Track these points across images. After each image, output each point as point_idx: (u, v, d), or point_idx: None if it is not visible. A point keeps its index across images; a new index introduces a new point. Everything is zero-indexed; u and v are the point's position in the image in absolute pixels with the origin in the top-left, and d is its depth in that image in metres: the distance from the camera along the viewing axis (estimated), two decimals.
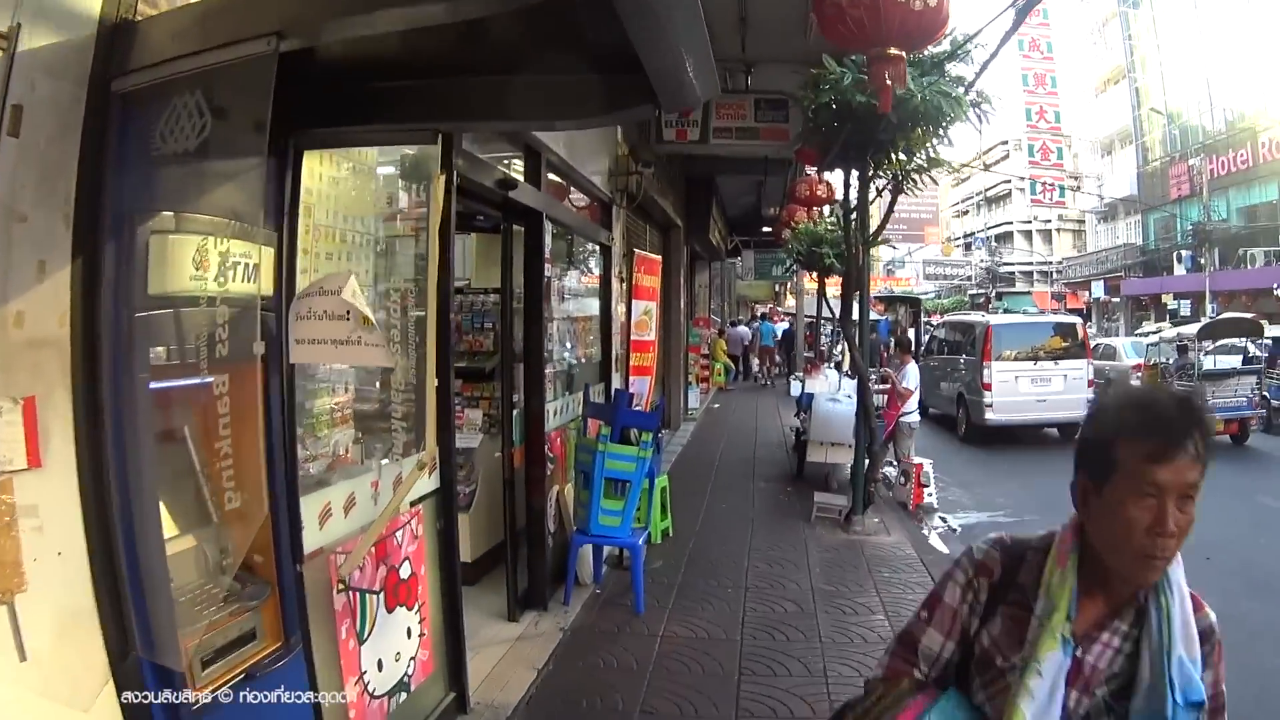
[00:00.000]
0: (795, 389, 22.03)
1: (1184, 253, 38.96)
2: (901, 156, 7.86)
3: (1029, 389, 15.33)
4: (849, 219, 8.58)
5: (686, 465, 12.14)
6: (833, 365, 14.17)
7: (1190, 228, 37.62)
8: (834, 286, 22.92)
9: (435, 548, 4.67)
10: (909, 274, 61.83)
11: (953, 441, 15.93)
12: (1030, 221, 61.21)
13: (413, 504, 4.32)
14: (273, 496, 3.05)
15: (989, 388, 15.18)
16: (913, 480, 10.27)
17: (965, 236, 67.95)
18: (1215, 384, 15.21)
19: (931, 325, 28.49)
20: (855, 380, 11.09)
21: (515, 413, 6.26)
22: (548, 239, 6.46)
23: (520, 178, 6.11)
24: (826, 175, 14.66)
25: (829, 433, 10.32)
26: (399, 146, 4.24)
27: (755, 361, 27.79)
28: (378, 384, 4.50)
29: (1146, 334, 29.31)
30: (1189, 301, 36.72)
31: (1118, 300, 44.77)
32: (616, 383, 8.10)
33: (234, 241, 2.76)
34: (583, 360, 7.79)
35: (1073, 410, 15.22)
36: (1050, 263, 59.07)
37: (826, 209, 15.77)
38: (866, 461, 8.93)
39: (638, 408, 7.70)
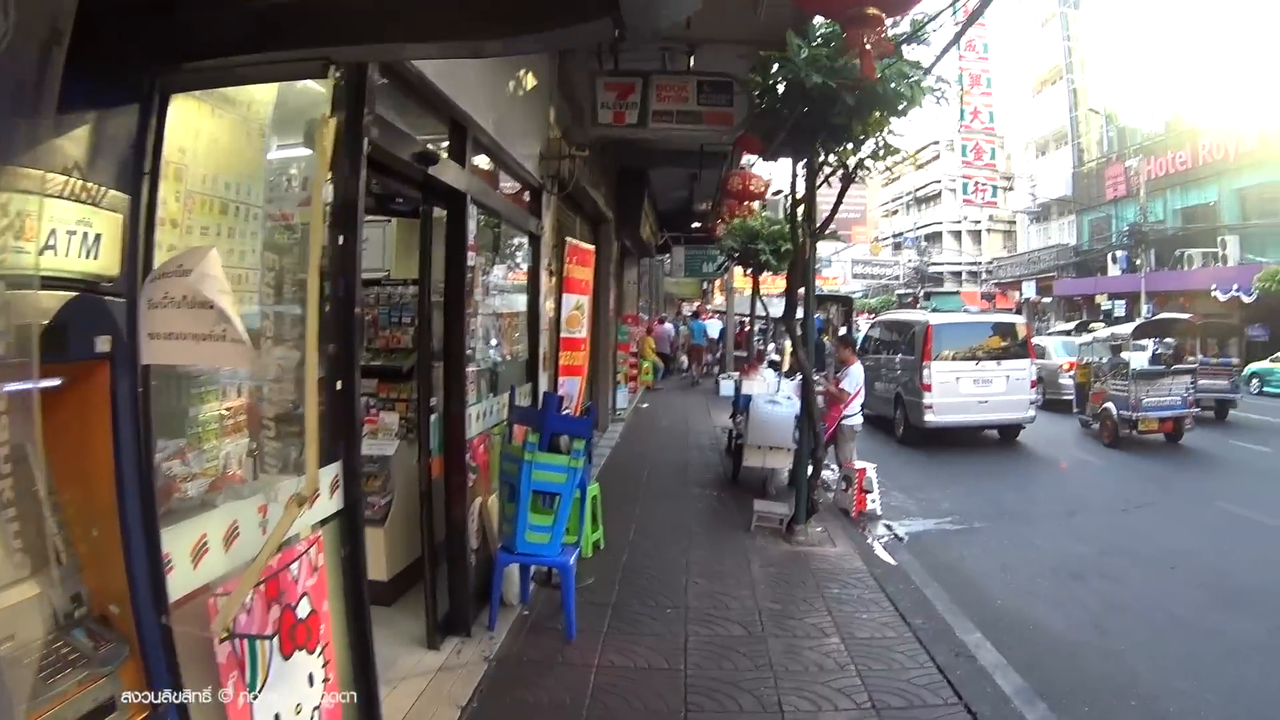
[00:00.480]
0: (726, 388, 21.90)
1: (1119, 253, 39.62)
2: (853, 144, 7.39)
3: (970, 390, 15.10)
4: (795, 210, 8.10)
5: (617, 470, 11.58)
6: (769, 365, 13.65)
7: (1126, 228, 38.22)
8: (770, 285, 22.66)
9: (340, 578, 4.05)
10: (836, 273, 62.19)
11: (890, 443, 15.56)
12: (960, 222, 62.15)
13: (314, 527, 3.69)
14: (125, 531, 2.43)
15: (929, 388, 14.91)
16: (855, 486, 9.88)
17: (894, 236, 68.66)
18: (1149, 383, 15.32)
19: (863, 324, 28.46)
20: (795, 381, 10.73)
21: (433, 417, 5.62)
22: (472, 224, 5.85)
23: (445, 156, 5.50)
24: (766, 167, 14.29)
25: (767, 436, 9.85)
26: (304, 106, 3.59)
27: (685, 359, 27.49)
28: (281, 384, 3.87)
29: (1067, 332, 29.74)
30: (1124, 302, 37.33)
31: (1049, 300, 45.47)
32: (545, 384, 7.49)
33: (68, 204, 2.13)
34: (509, 359, 7.17)
35: (1015, 412, 15.14)
36: (980, 263, 60.02)
37: (762, 204, 15.45)
38: (809, 468, 8.47)
39: (567, 411, 7.11)
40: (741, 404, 10.62)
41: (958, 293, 57.61)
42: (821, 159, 7.72)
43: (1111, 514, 10.50)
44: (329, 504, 3.88)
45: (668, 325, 27.22)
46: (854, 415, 10.40)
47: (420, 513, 5.67)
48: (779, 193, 8.48)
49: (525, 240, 7.62)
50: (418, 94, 5.09)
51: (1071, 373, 18.25)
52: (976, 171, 45.52)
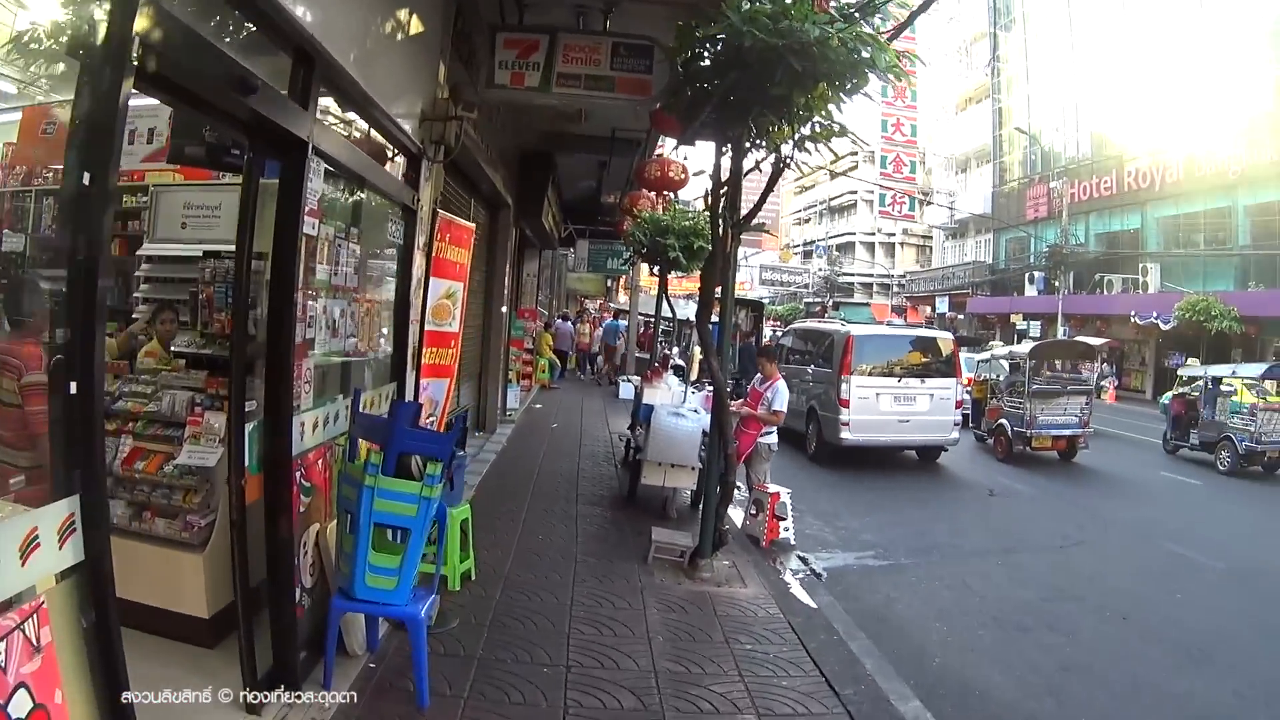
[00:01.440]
0: (625, 391, 20.81)
1: (1037, 274, 39.98)
2: (790, 122, 6.34)
3: (891, 408, 14.26)
4: (717, 198, 7.02)
5: (499, 479, 10.37)
6: (673, 372, 12.52)
7: (1046, 249, 38.50)
8: (678, 286, 21.62)
9: (80, 656, 2.87)
10: (744, 278, 61.81)
11: (801, 461, 14.48)
12: (874, 234, 62.70)
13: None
14: None
15: (846, 404, 14.00)
16: (767, 511, 8.89)
17: (806, 244, 68.75)
18: (1045, 402, 15.92)
19: (776, 332, 27.73)
20: (704, 393, 9.68)
21: (251, 426, 4.37)
22: (316, 184, 4.60)
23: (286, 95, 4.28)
24: (685, 153, 13.29)
25: (670, 453, 8.79)
26: None
27: (600, 359, 26.68)
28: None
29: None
30: (1039, 323, 37.69)
31: (961, 317, 45.75)
32: (428, 384, 6.25)
33: None
34: (370, 355, 5.93)
35: (938, 433, 14.44)
36: (892, 276, 60.39)
37: (676, 195, 14.42)
38: (719, 493, 7.42)
39: (433, 420, 5.91)
40: (642, 415, 9.52)
41: (868, 304, 57.96)
42: (752, 139, 6.65)
43: (1049, 551, 9.77)
44: (58, 556, 2.72)
45: (567, 324, 26.00)
46: (771, 433, 9.41)
47: (231, 545, 4.44)
48: (700, 173, 7.25)
49: (398, 214, 6.37)
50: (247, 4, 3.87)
51: (969, 389, 17.75)
52: (895, 184, 45.56)
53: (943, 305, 49.22)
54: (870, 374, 14.37)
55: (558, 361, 23.15)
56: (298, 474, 4.76)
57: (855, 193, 62.59)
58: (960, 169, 51.70)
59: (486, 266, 13.86)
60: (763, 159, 6.91)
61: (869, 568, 8.75)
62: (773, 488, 9.11)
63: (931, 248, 57.98)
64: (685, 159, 12.93)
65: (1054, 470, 15.34)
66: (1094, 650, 6.64)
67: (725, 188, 6.95)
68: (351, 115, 5.60)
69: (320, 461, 5.12)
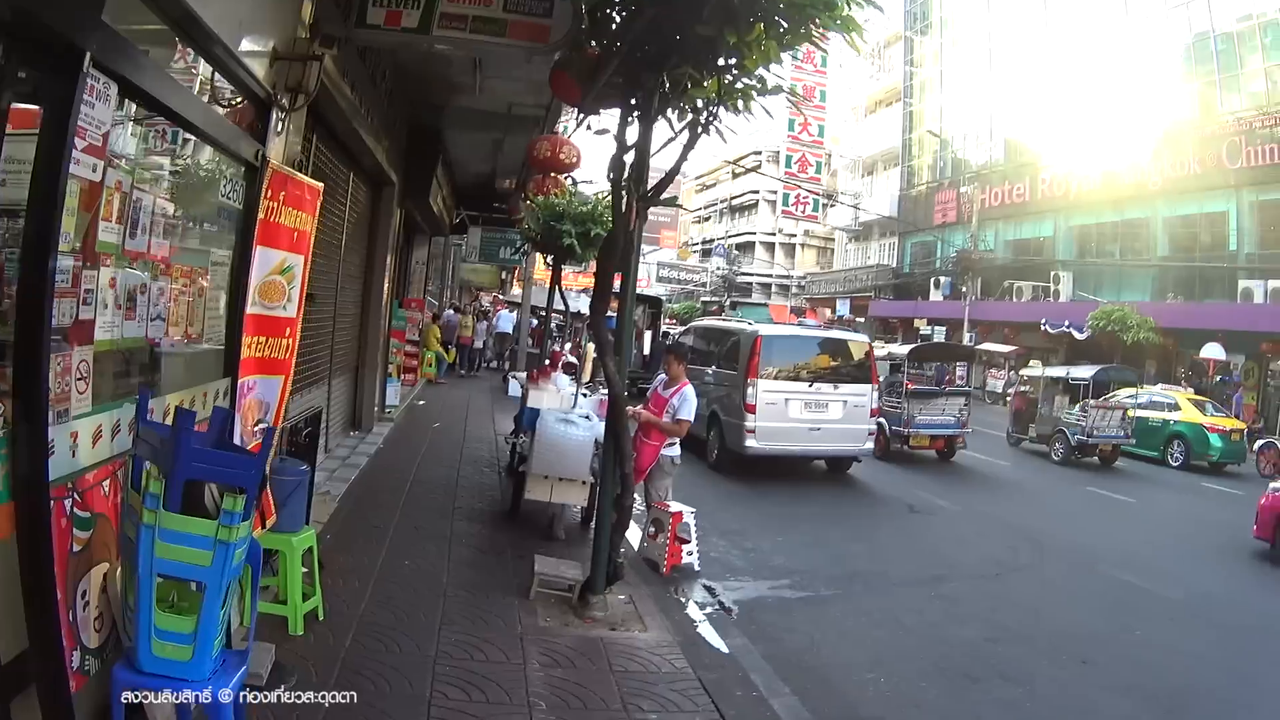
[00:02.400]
0: (514, 388, 19.59)
1: (943, 279, 39.99)
2: (711, 76, 5.34)
3: (800, 414, 13.40)
4: (620, 165, 5.97)
5: (369, 488, 9.15)
6: (564, 371, 11.35)
7: (954, 254, 38.47)
8: (573, 281, 20.44)
9: None
10: (641, 275, 60.78)
11: (700, 469, 13.36)
12: (774, 234, 62.70)
13: None
14: None
15: (752, 410, 13.06)
16: (668, 533, 7.91)
17: (705, 243, 68.47)
18: (923, 403, 16.56)
19: (674, 330, 26.90)
20: (596, 397, 8.65)
21: None
22: (98, 109, 3.41)
23: None
24: (580, 141, 12.28)
25: (558, 466, 7.74)
26: None
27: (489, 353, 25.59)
28: None
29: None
30: (944, 328, 37.67)
31: (862, 320, 45.71)
32: (255, 382, 5.01)
33: None
34: (186, 345, 4.71)
35: (850, 442, 13.71)
36: (791, 277, 60.40)
37: (574, 180, 13.37)
38: (613, 517, 6.39)
39: (260, 431, 4.71)
40: (526, 420, 8.40)
41: (766, 305, 57.81)
42: (665, 98, 5.65)
43: (984, 579, 9.04)
44: None
45: (449, 313, 24.66)
46: (675, 445, 8.43)
47: None
48: (604, 132, 6.09)
49: (237, 172, 5.15)
50: None
51: None
52: (800, 184, 45.33)
53: (843, 308, 49.28)
54: (779, 377, 13.53)
55: (445, 355, 21.76)
56: (69, 501, 3.56)
57: (757, 192, 62.80)
58: (867, 171, 51.96)
59: (366, 249, 12.56)
60: (679, 128, 5.91)
61: (786, 600, 7.83)
62: (675, 506, 8.16)
63: (833, 250, 58.25)
64: (589, 128, 11.94)
65: (972, 482, 15.20)
66: (1058, 706, 5.88)
67: (631, 152, 5.92)
68: (162, 29, 4.38)
69: (109, 482, 3.91)
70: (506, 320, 26.93)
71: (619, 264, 6.20)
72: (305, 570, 5.57)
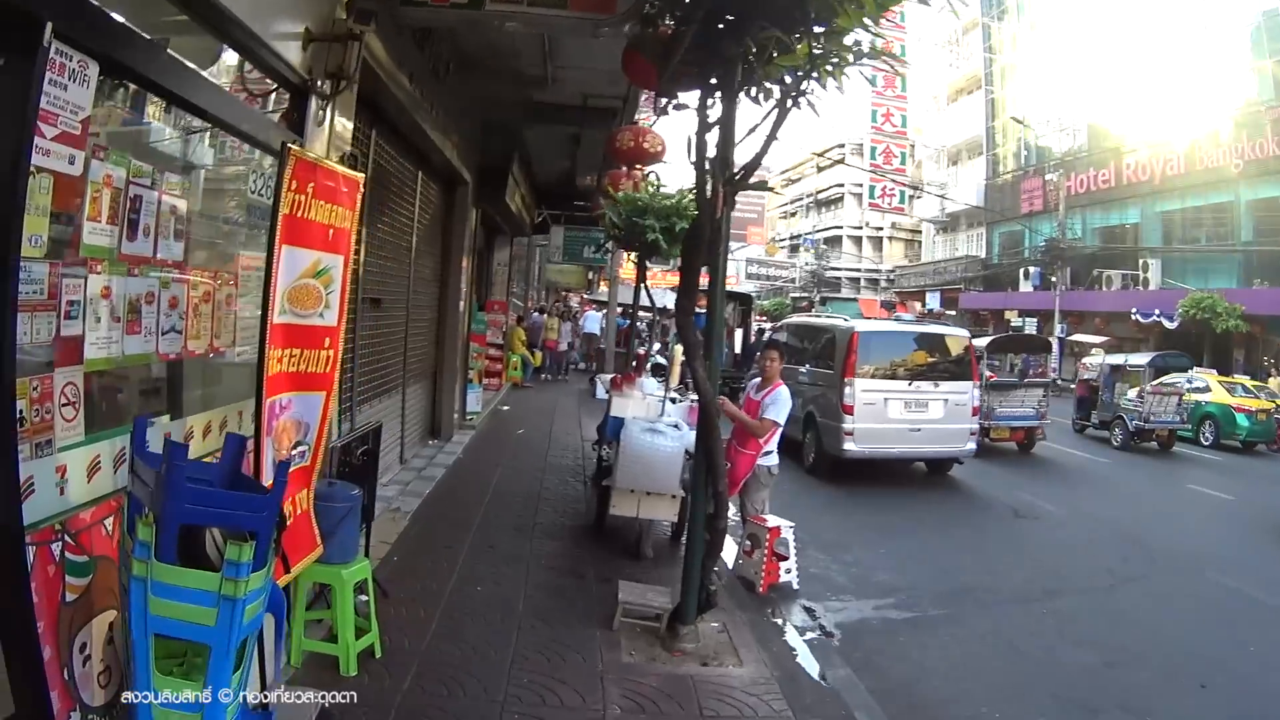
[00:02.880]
0: (600, 391, 19.06)
1: (1032, 269, 38.49)
2: (801, 45, 4.62)
3: (900, 415, 12.51)
4: (703, 147, 5.28)
5: (444, 504, 8.65)
6: (652, 375, 10.63)
7: (1042, 244, 36.99)
8: (666, 279, 19.72)
9: None
10: (730, 271, 59.98)
11: (797, 474, 12.30)
12: (861, 228, 61.43)
13: None
14: None
15: (850, 411, 12.20)
16: (764, 549, 7.21)
17: (792, 238, 67.51)
18: (1003, 395, 16.17)
19: (766, 327, 26.14)
20: (686, 403, 7.99)
21: None
22: (73, 91, 2.88)
23: None
24: (664, 111, 11.65)
25: (645, 479, 7.09)
26: None
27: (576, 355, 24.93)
28: None
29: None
30: (1035, 320, 36.25)
31: (953, 313, 44.25)
32: (290, 400, 4.45)
33: None
34: (216, 358, 4.21)
35: (952, 444, 12.80)
36: (880, 270, 59.07)
37: (655, 170, 12.72)
38: (707, 539, 5.72)
39: (299, 455, 4.18)
40: (610, 430, 7.73)
41: (855, 299, 56.61)
42: (749, 72, 4.96)
43: (1097, 593, 8.13)
44: None
45: (535, 315, 24.19)
46: (771, 452, 7.72)
47: None
48: (683, 107, 5.33)
49: (272, 165, 4.64)
50: None
51: None
52: (885, 176, 44.13)
53: (934, 301, 47.74)
54: (877, 376, 12.64)
55: (531, 358, 21.30)
56: (58, 545, 3.06)
57: (843, 185, 61.68)
58: (951, 161, 50.36)
59: (441, 251, 12.13)
60: (768, 110, 5.18)
61: (891, 622, 7.03)
62: (772, 520, 7.43)
63: (921, 242, 56.72)
64: (666, 113, 11.28)
65: (1076, 482, 14.14)
66: None
67: (715, 129, 5.22)
68: (180, 18, 3.87)
69: (112, 520, 3.40)
70: (593, 321, 26.41)
71: (705, 257, 5.50)
72: (364, 598, 5.06)
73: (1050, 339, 28.68)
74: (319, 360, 4.19)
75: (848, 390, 12.30)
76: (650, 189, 11.71)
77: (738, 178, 5.23)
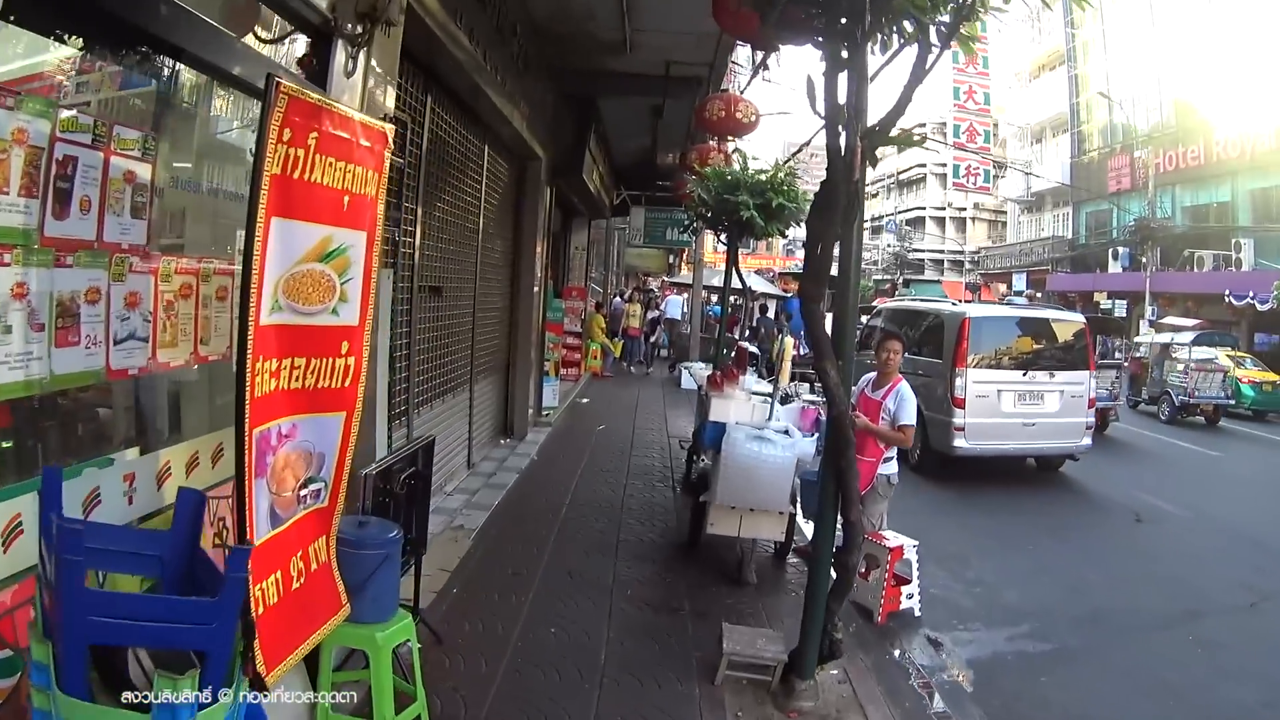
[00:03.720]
0: (688, 381, 17.95)
1: (1121, 249, 36.34)
2: None
3: (1014, 408, 11.20)
4: (833, 93, 4.12)
5: (514, 517, 7.68)
6: (760, 373, 9.30)
7: (1131, 223, 34.84)
8: (745, 261, 18.27)
9: None
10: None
11: (900, 473, 11.13)
12: (944, 208, 59.51)
13: None
14: None
15: (961, 404, 10.94)
16: (884, 571, 6.10)
17: (873, 220, 65.74)
18: None
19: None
20: (797, 405, 6.87)
21: None
22: None
23: None
24: (764, 69, 10.63)
25: (749, 494, 6.01)
26: None
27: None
28: None
29: None
30: (1125, 301, 34.22)
31: (1039, 295, 42.18)
32: (294, 425, 3.40)
33: None
34: (193, 369, 3.26)
35: (1067, 439, 11.48)
36: (963, 251, 57.18)
37: (746, 142, 11.59)
38: (831, 579, 4.63)
39: (314, 496, 3.20)
40: (708, 437, 6.59)
41: (939, 281, 54.80)
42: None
43: (1240, 613, 7.03)
44: None
45: (616, 301, 23.06)
46: (892, 460, 6.60)
47: None
48: (801, 43, 4.12)
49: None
50: None
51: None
52: (969, 155, 42.11)
53: (1019, 282, 45.65)
54: (989, 365, 11.32)
55: (611, 347, 20.29)
56: None
57: (924, 166, 59.91)
58: (1035, 139, 47.96)
59: (513, 233, 11.19)
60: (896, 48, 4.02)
61: (1028, 657, 5.89)
62: (893, 538, 6.33)
63: (1005, 222, 54.51)
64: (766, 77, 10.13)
65: (1188, 477, 12.89)
66: None
67: (846, 71, 4.06)
68: None
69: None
70: (675, 306, 25.29)
71: (840, 227, 4.35)
72: (409, 647, 4.10)
73: (1121, 320, 27.47)
74: (333, 371, 3.20)
75: (959, 381, 11.02)
76: (743, 162, 10.59)
77: (877, 130, 4.07)
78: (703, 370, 17.78)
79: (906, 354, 12.45)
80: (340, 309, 3.15)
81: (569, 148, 12.22)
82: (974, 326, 11.39)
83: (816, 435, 6.26)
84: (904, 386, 6.53)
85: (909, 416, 6.40)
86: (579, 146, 12.41)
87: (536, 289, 11.65)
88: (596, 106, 13.03)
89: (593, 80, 11.90)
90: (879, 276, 60.56)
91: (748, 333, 17.89)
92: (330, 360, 3.17)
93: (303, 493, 3.28)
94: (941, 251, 60.13)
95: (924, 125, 54.72)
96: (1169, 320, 29.47)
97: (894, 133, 4.06)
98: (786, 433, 6.16)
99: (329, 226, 3.06)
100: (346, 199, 3.13)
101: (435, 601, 5.53)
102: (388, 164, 3.41)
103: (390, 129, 3.47)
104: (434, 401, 7.81)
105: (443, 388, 8.10)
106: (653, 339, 21.29)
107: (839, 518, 4.54)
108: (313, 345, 3.08)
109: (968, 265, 56.53)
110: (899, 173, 65.57)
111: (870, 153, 4.09)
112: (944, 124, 45.31)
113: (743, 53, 14.01)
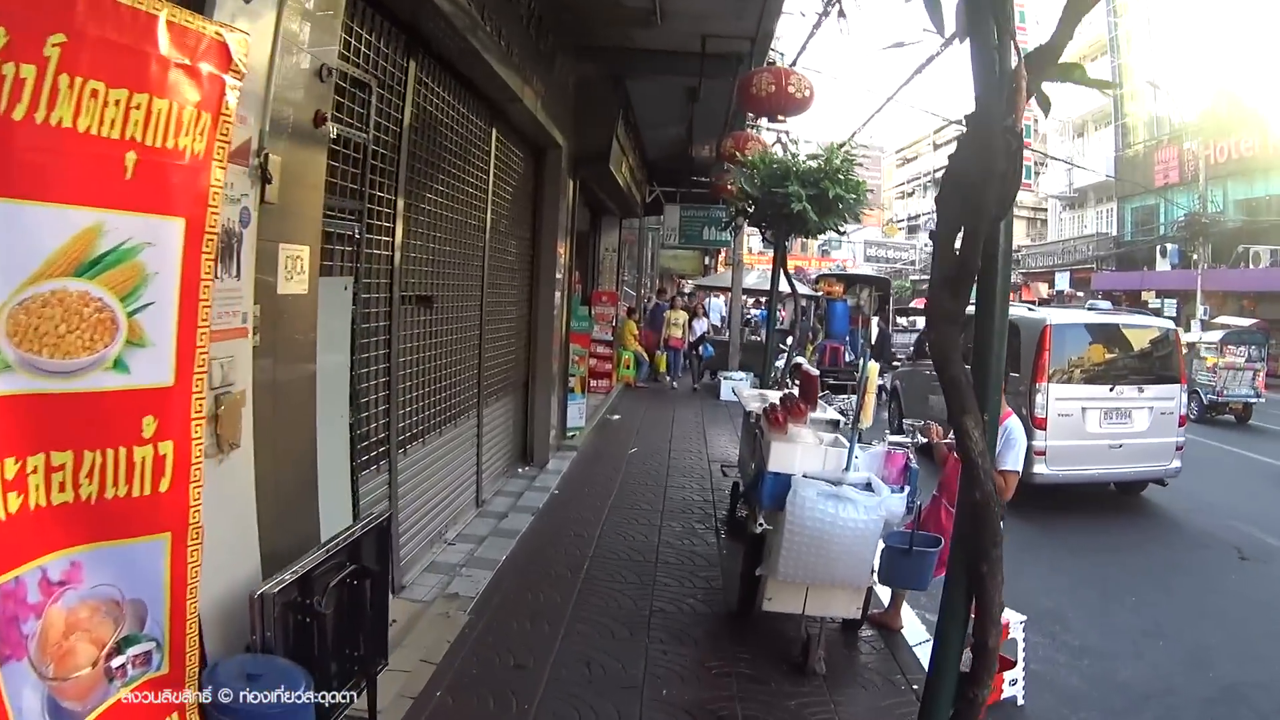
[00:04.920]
0: (726, 392, 16.48)
1: (1170, 246, 34.38)
2: None
3: (1099, 428, 9.64)
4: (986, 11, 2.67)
5: (525, 576, 6.28)
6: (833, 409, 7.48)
7: (1182, 218, 32.92)
8: (797, 260, 16.77)
9: None
10: (846, 255, 56.95)
11: None
12: None
13: None
14: None
15: (1042, 424, 9.35)
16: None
17: (910, 219, 64.10)
18: None
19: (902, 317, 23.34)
20: (882, 449, 5.37)
21: None
22: None
23: None
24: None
25: (821, 569, 4.57)
26: None
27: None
28: None
29: None
30: (1175, 301, 32.31)
31: (1083, 295, 40.35)
32: (74, 565, 2.04)
33: None
34: None
35: (1158, 461, 9.85)
36: None
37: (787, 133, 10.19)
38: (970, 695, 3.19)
39: (120, 683, 1.84)
40: (769, 494, 4.97)
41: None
42: None
43: None
44: None
45: (662, 304, 21.33)
46: None
47: None
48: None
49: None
50: None
51: None
52: None
53: (1063, 281, 43.72)
54: (1071, 380, 9.74)
55: (645, 355, 18.72)
56: None
57: None
58: (1077, 133, 45.96)
59: (531, 232, 9.82)
60: None
61: None
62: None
63: (1045, 220, 52.54)
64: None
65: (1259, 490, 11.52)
66: None
67: None
68: None
69: None
70: (714, 309, 23.79)
71: (996, 205, 2.84)
72: None
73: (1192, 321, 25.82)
74: (130, 470, 1.83)
75: (1039, 399, 9.45)
76: (793, 146, 9.17)
77: (1044, 51, 2.63)
78: (743, 381, 16.37)
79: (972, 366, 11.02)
80: (130, 359, 1.78)
81: (594, 135, 10.81)
82: (1056, 335, 9.84)
83: (907, 490, 4.80)
84: (1013, 422, 5.08)
85: (1013, 461, 4.98)
86: (606, 134, 11.00)
87: (559, 295, 10.27)
88: (624, 89, 11.62)
89: (619, 59, 10.52)
90: (915, 277, 58.94)
91: (790, 340, 16.40)
92: (120, 452, 1.79)
93: (115, 663, 1.92)
94: None
95: (960, 122, 53.07)
96: (1222, 320, 27.72)
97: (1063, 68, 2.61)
98: (869, 486, 4.70)
99: (95, 209, 1.69)
100: (131, 159, 1.76)
101: (409, 712, 4.18)
102: (230, 101, 2.04)
103: (239, 42, 2.09)
104: (428, 435, 6.45)
105: (440, 417, 6.73)
106: (698, 350, 19.27)
107: (974, 636, 3.09)
108: (81, 427, 1.71)
109: None
110: (935, 171, 64.09)
111: (1035, 84, 2.64)
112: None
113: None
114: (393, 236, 5.43)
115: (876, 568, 4.85)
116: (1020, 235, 55.80)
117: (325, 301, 4.05)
